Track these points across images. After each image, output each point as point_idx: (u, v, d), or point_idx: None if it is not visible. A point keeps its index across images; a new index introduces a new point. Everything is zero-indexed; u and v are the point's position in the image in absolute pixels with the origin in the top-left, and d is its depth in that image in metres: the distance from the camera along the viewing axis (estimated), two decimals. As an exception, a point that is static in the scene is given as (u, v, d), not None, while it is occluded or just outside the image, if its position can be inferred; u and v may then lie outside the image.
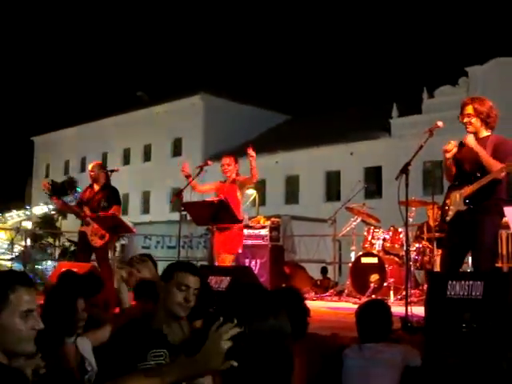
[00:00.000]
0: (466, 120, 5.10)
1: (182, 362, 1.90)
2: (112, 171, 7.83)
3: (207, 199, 6.94)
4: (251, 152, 6.86)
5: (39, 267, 20.40)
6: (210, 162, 7.45)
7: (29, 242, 20.64)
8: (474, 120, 5.08)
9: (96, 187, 7.71)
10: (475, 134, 5.11)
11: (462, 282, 4.03)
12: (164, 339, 2.90)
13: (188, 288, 3.01)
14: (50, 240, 33.59)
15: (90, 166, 7.88)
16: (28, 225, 37.97)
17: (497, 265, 7.15)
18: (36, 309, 2.18)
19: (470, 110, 5.10)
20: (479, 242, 4.90)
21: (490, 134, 5.10)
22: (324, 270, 13.90)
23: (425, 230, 8.42)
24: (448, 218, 5.15)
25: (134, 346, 2.82)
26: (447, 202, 5.23)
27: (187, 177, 7.16)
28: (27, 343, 2.13)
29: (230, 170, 7.26)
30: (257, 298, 1.81)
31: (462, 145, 5.24)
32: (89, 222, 7.44)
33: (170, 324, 2.97)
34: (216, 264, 7.03)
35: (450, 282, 4.09)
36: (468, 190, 4.96)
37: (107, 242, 7.51)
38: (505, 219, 5.84)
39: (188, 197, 6.98)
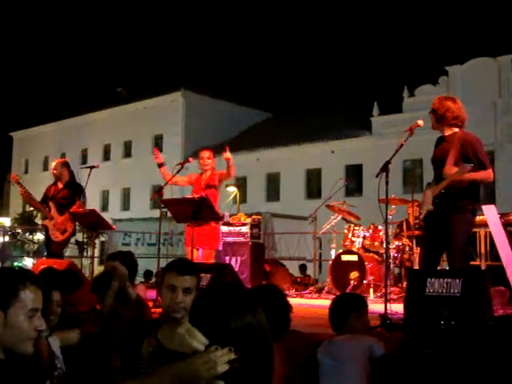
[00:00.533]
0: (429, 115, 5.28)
1: (165, 373, 1.83)
2: (92, 167, 7.81)
3: (187, 196, 6.90)
4: (227, 154, 6.84)
5: (18, 264, 20.24)
6: (191, 160, 7.37)
7: (7, 238, 20.42)
8: (433, 116, 5.20)
9: (60, 185, 7.76)
10: (439, 131, 5.24)
11: (441, 280, 4.06)
12: None
13: (174, 288, 2.94)
14: (29, 237, 33.33)
15: (52, 164, 7.96)
16: (6, 221, 37.57)
17: (475, 262, 7.23)
18: (40, 309, 2.13)
19: (431, 106, 5.24)
20: (451, 241, 4.97)
21: (457, 131, 5.16)
22: (303, 268, 13.93)
23: (404, 227, 8.48)
24: (421, 217, 5.24)
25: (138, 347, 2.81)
26: (422, 199, 5.31)
27: (160, 165, 7.18)
28: (28, 344, 2.08)
29: (209, 164, 7.22)
30: (233, 295, 1.80)
31: (436, 144, 5.31)
32: (52, 216, 7.51)
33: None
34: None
35: (428, 280, 4.12)
36: (435, 190, 5.03)
37: (68, 238, 7.59)
38: (483, 217, 5.92)
39: (169, 194, 6.93)
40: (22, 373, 2.08)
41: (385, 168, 5.09)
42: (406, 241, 8.28)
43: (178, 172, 7.01)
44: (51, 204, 7.61)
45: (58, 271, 4.87)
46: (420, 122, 5.21)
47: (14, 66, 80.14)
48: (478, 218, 7.15)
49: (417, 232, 7.60)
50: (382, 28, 69.49)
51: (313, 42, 70.51)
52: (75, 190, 7.67)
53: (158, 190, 6.82)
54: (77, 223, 7.82)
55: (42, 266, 6.17)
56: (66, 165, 7.90)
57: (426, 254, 5.19)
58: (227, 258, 9.17)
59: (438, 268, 5.37)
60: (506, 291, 5.75)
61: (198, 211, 6.42)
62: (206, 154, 7.28)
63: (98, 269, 9.32)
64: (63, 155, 41.26)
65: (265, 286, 4.11)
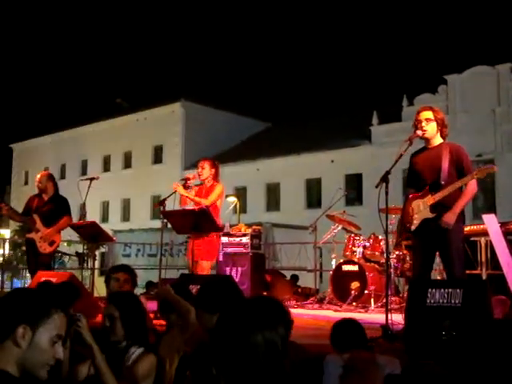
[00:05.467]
0: (424, 124, 5.17)
1: None
2: (92, 179, 7.79)
3: (187, 207, 6.88)
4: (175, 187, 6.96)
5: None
6: (192, 175, 7.30)
7: (7, 250, 20.35)
8: (433, 124, 5.16)
9: (45, 197, 7.62)
10: (428, 140, 5.23)
11: (442, 290, 4.05)
12: None
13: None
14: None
15: (37, 177, 7.76)
16: (6, 233, 37.48)
17: (475, 271, 7.23)
18: (63, 338, 2.13)
19: (429, 115, 5.21)
20: (450, 249, 4.99)
21: (442, 141, 5.20)
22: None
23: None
24: (413, 227, 5.19)
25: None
26: (410, 210, 5.25)
27: (186, 187, 7.08)
28: (45, 369, 2.05)
29: (202, 174, 7.16)
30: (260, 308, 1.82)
31: (417, 153, 5.31)
32: (38, 228, 7.36)
33: None
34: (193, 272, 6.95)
35: (429, 290, 4.11)
36: (436, 196, 5.03)
37: (56, 250, 7.50)
38: (483, 226, 5.92)
39: (171, 205, 6.91)
40: None
41: (384, 178, 5.10)
42: (406, 250, 8.25)
43: (186, 188, 7.01)
44: (35, 216, 7.43)
45: (54, 285, 4.84)
46: (419, 133, 5.21)
47: (13, 78, 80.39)
48: (479, 227, 7.16)
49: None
50: (382, 37, 69.82)
51: (312, 52, 70.82)
52: (61, 204, 7.55)
53: (161, 202, 6.78)
54: (77, 235, 7.77)
55: (43, 278, 6.18)
56: (51, 178, 7.75)
57: (422, 264, 5.17)
58: (228, 268, 9.15)
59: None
60: (507, 300, 5.73)
61: (198, 223, 6.41)
62: (200, 164, 7.24)
63: (99, 280, 9.30)
64: (63, 166, 41.33)
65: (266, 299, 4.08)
